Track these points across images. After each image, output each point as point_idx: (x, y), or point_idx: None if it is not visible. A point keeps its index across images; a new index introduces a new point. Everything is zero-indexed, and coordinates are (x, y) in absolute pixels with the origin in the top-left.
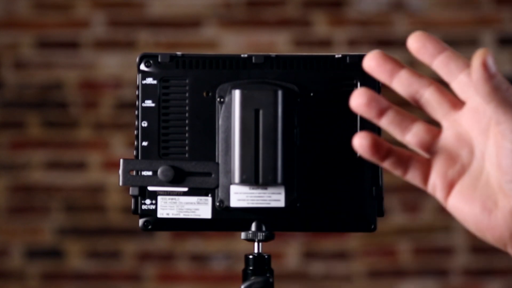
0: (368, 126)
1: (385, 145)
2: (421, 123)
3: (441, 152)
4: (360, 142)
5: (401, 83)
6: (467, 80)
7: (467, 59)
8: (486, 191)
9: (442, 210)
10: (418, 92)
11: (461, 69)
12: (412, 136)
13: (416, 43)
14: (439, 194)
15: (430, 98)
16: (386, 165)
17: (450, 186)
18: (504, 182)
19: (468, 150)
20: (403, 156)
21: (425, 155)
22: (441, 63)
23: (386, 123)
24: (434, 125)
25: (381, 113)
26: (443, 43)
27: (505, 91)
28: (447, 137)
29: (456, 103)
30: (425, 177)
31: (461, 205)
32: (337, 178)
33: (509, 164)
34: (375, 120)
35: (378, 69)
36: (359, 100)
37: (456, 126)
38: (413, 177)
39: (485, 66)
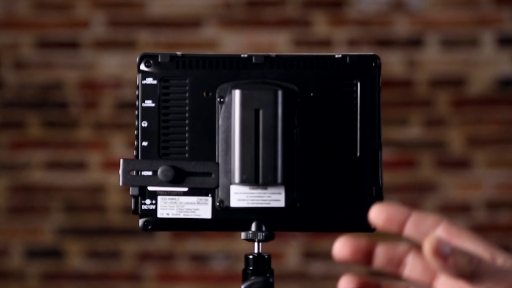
0: (367, 123)
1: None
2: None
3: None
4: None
5: (411, 231)
6: (445, 235)
7: (435, 216)
8: None
9: (442, 211)
10: (400, 262)
11: (433, 227)
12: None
13: (380, 217)
14: None
15: (413, 265)
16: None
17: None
18: None
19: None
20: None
21: None
22: (412, 229)
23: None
24: None
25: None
26: (406, 208)
27: (473, 265)
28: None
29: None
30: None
31: None
32: (337, 178)
33: None
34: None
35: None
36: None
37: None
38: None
39: (436, 253)
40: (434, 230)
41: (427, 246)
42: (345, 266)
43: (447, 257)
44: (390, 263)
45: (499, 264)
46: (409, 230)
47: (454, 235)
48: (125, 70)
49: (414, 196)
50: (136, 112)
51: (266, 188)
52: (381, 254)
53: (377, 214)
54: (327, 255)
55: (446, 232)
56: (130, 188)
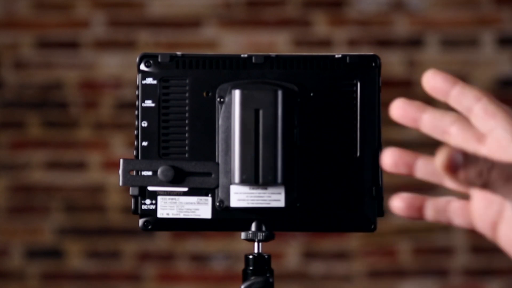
0: (367, 123)
1: (420, 201)
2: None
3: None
4: (397, 205)
5: (427, 126)
6: (482, 113)
7: (477, 91)
8: None
9: None
10: (444, 131)
11: (474, 102)
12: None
13: (429, 83)
14: (487, 234)
15: (455, 136)
16: (429, 218)
17: (494, 225)
18: None
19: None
20: (440, 205)
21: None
22: (455, 100)
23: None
24: None
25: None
26: (453, 78)
27: (483, 178)
28: None
29: (481, 136)
30: (469, 220)
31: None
32: (337, 178)
33: None
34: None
35: (403, 118)
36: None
37: None
38: (459, 223)
39: (447, 168)
40: (474, 105)
41: (439, 159)
42: (345, 267)
43: (457, 171)
44: (436, 128)
45: None
46: (453, 100)
47: (489, 114)
48: (125, 70)
49: None
50: (136, 112)
51: (266, 188)
52: (428, 119)
53: (428, 78)
54: (327, 255)
55: (482, 111)
56: (130, 188)
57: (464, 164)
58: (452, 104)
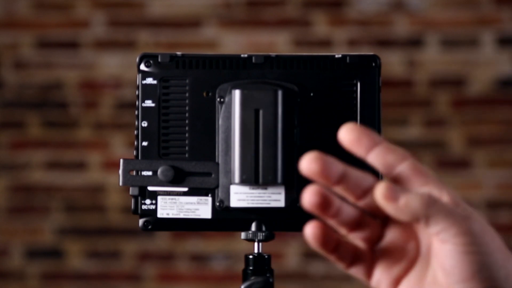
0: (367, 123)
1: (334, 237)
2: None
3: (387, 245)
4: (311, 233)
5: (376, 157)
6: (408, 172)
7: (403, 150)
8: None
9: None
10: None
11: (399, 161)
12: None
13: (349, 136)
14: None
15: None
16: (332, 258)
17: (395, 283)
18: (452, 284)
19: (415, 245)
20: (348, 248)
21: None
22: (378, 156)
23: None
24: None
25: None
26: (377, 135)
27: (432, 205)
28: (394, 228)
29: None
30: (369, 272)
31: None
32: None
33: (453, 265)
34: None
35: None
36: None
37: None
38: (356, 271)
39: (388, 197)
40: (399, 164)
41: (378, 191)
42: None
43: (398, 199)
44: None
45: (455, 207)
46: (375, 157)
47: (417, 173)
48: (125, 70)
49: None
50: (136, 112)
51: (266, 188)
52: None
53: (348, 132)
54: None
55: (410, 169)
56: (130, 188)
57: (406, 195)
58: (372, 160)
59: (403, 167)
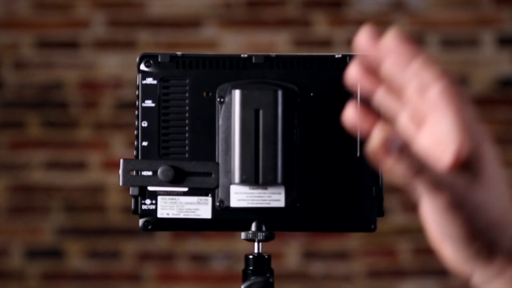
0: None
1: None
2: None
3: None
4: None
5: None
6: (436, 97)
7: (439, 72)
8: None
9: None
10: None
11: (432, 81)
12: None
13: (391, 42)
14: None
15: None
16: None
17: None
18: None
19: None
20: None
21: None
22: (412, 73)
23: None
24: None
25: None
26: (418, 45)
27: (419, 175)
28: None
29: (423, 119)
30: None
31: None
32: (337, 178)
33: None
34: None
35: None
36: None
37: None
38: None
39: (378, 154)
40: (431, 84)
41: (374, 140)
42: (345, 267)
43: (386, 160)
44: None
45: (445, 173)
46: (409, 72)
47: (443, 101)
48: (125, 70)
49: None
50: (136, 112)
51: (266, 188)
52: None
53: (394, 38)
54: (327, 255)
55: (437, 94)
56: (130, 188)
57: (398, 155)
58: (403, 76)
59: (432, 92)
